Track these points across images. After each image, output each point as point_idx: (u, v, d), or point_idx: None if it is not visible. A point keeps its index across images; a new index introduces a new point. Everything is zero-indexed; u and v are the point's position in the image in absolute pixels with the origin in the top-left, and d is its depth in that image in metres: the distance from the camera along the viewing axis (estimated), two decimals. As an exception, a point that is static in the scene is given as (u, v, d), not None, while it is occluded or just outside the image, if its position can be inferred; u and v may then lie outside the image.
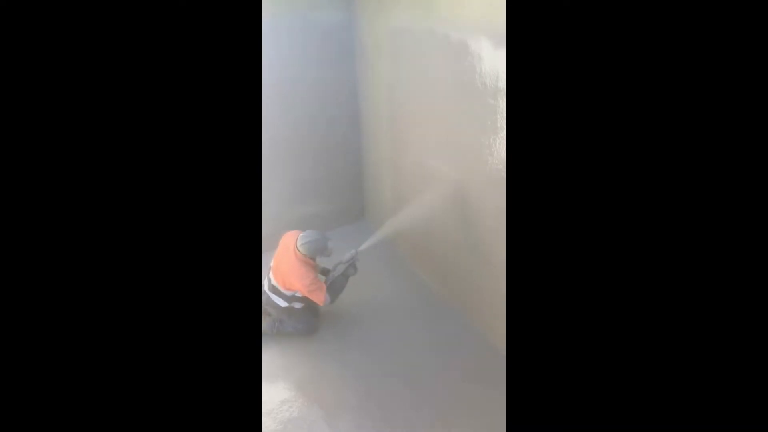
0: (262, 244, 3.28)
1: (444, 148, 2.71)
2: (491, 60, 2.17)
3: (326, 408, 2.43)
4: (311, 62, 3.17)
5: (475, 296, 2.82)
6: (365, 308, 3.05)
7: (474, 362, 2.65)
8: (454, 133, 2.58)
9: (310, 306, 2.81)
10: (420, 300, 3.14)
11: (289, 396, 2.49)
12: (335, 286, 2.72)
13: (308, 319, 2.83)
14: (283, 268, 2.68)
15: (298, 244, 2.65)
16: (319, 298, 2.62)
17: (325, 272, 2.84)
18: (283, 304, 2.74)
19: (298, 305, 2.76)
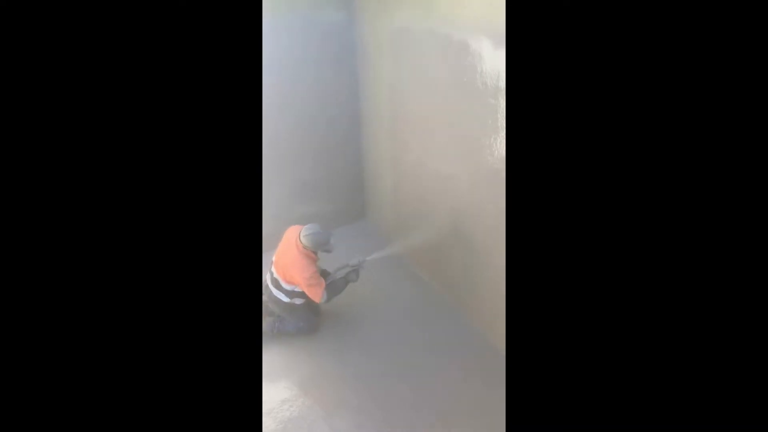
0: (263, 243, 3.29)
1: (445, 148, 2.71)
2: (492, 59, 2.17)
3: (326, 407, 2.43)
4: (312, 62, 3.17)
5: (476, 296, 2.82)
6: (365, 308, 3.05)
7: (474, 362, 2.65)
8: (455, 132, 2.58)
9: (310, 303, 2.82)
10: (421, 300, 3.13)
11: (290, 395, 2.49)
12: (334, 286, 2.73)
13: (309, 317, 2.84)
14: (285, 260, 2.68)
15: (301, 235, 2.66)
16: (317, 293, 2.63)
17: (324, 274, 2.84)
18: (284, 299, 2.74)
19: (299, 301, 2.76)
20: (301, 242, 2.66)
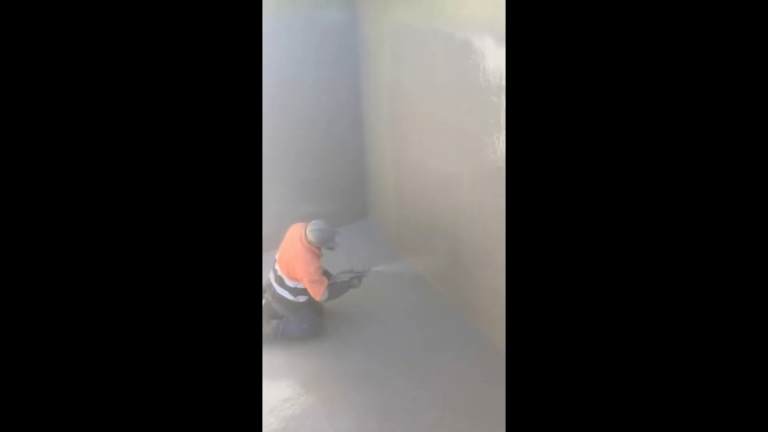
0: (265, 243, 3.30)
1: (447, 147, 2.71)
2: (494, 58, 2.17)
3: (328, 406, 2.44)
4: (314, 61, 3.17)
5: (478, 296, 2.82)
6: (367, 307, 3.05)
7: (477, 361, 2.65)
8: (457, 131, 2.58)
9: (313, 303, 2.82)
10: (422, 299, 3.14)
11: (292, 394, 2.50)
12: (336, 287, 2.73)
13: (312, 318, 2.84)
14: (288, 255, 2.68)
15: (307, 230, 2.66)
16: (318, 290, 2.62)
17: (326, 275, 2.84)
18: (289, 296, 2.74)
19: (302, 298, 2.76)
20: (306, 237, 2.66)
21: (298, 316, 2.80)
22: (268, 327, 2.81)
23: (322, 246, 2.70)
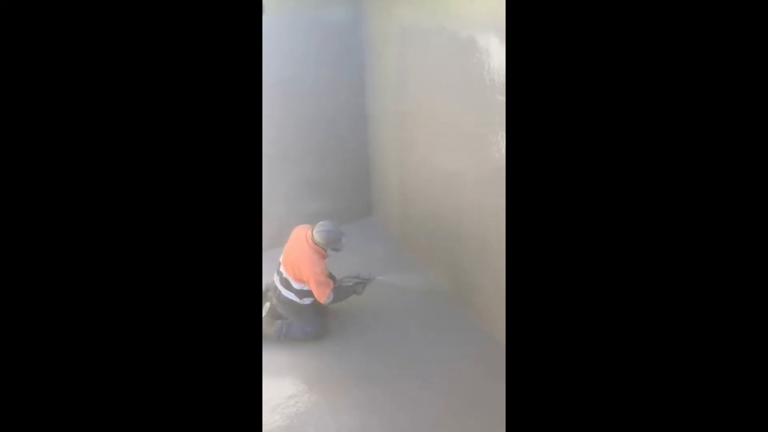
0: (269, 242, 3.31)
1: (451, 145, 2.71)
2: (498, 56, 2.16)
3: (333, 403, 2.44)
4: (319, 59, 3.17)
5: (481, 294, 2.82)
6: (371, 306, 3.05)
7: (480, 359, 2.65)
8: (461, 129, 2.57)
9: (317, 305, 2.82)
10: (426, 297, 3.13)
11: (296, 391, 2.51)
12: (340, 291, 2.73)
13: (316, 321, 2.83)
14: (294, 255, 2.67)
15: (314, 231, 2.66)
16: (324, 292, 2.62)
17: (331, 278, 2.84)
18: (295, 299, 2.73)
19: (307, 300, 2.76)
20: (313, 237, 2.66)
21: (302, 318, 2.80)
22: (271, 328, 2.81)
23: (328, 247, 2.70)
